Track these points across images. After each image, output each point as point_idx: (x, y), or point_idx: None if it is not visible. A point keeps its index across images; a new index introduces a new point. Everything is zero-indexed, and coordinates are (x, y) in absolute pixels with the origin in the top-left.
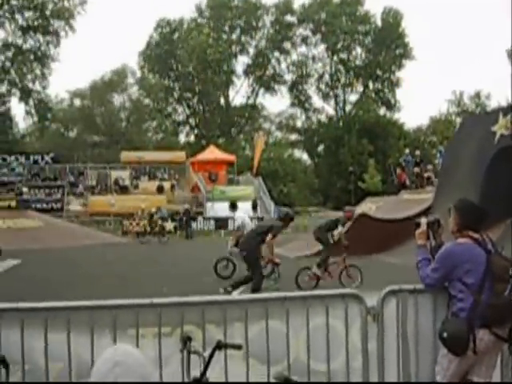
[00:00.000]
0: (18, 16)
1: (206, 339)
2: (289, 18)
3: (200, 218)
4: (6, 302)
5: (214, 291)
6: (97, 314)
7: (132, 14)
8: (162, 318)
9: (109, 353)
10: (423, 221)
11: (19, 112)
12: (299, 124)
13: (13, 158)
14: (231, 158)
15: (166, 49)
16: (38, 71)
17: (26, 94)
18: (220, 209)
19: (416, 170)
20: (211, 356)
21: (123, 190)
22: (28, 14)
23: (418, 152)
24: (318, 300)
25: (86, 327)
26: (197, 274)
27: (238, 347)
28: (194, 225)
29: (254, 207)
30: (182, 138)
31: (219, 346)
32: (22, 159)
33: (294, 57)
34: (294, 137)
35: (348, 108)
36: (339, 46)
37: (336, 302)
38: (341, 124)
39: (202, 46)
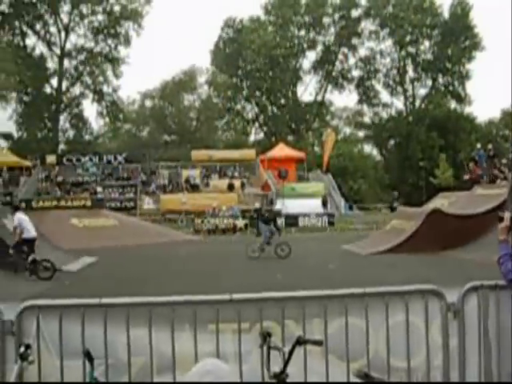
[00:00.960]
0: (87, 20)
1: (285, 335)
2: (356, 12)
3: None
4: (83, 298)
5: (291, 287)
6: (177, 309)
7: (202, 13)
8: (242, 313)
9: (200, 364)
10: (507, 215)
11: (92, 113)
12: (367, 119)
13: (87, 158)
14: (301, 154)
15: (234, 48)
16: (109, 73)
17: (98, 96)
18: (290, 206)
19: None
20: (291, 352)
21: (194, 188)
22: (97, 17)
23: (490, 146)
24: (397, 296)
25: (167, 322)
26: (270, 270)
27: (319, 343)
28: None
29: (324, 204)
30: (252, 136)
31: (299, 341)
32: (96, 159)
33: (362, 52)
34: (362, 132)
35: (417, 102)
36: (407, 39)
37: (416, 299)
38: (410, 119)
39: (269, 43)
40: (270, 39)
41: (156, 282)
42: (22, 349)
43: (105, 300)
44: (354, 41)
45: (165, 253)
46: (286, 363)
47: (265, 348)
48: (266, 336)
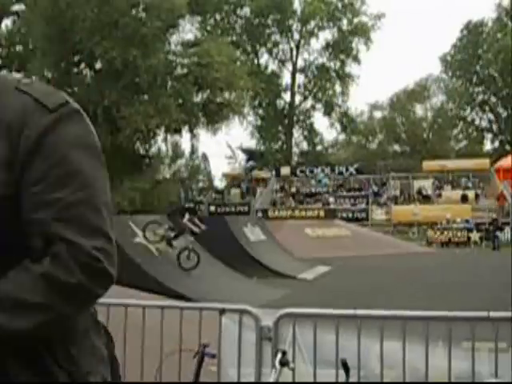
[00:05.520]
0: (317, 36)
1: None
2: None
3: (507, 229)
4: (320, 307)
5: None
6: (431, 324)
7: (434, 21)
8: (499, 332)
9: None
10: None
11: (323, 125)
12: None
13: (319, 169)
14: None
15: (470, 53)
16: (338, 86)
17: (328, 108)
18: None
19: None
20: None
21: (426, 199)
22: (327, 33)
23: None
24: None
25: (421, 337)
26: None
27: None
28: (500, 235)
29: None
30: (487, 145)
31: None
32: (328, 171)
33: None
34: None
35: None
36: None
37: None
38: None
39: (508, 46)
40: (509, 42)
41: (389, 294)
42: (280, 355)
43: (359, 311)
44: None
45: (398, 264)
46: None
47: None
48: None
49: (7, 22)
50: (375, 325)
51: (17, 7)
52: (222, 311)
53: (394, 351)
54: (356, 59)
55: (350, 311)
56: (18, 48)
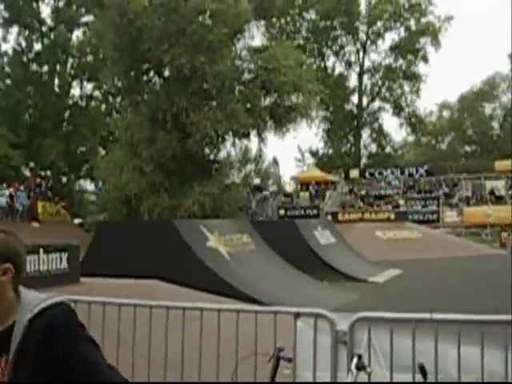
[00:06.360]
0: (384, 37)
1: None
2: None
3: None
4: (392, 311)
5: None
6: (509, 328)
7: (502, 18)
8: None
9: None
10: None
11: (392, 126)
12: None
13: (389, 171)
14: None
15: None
16: (407, 87)
17: (397, 109)
18: None
19: None
20: None
21: (499, 199)
22: (393, 33)
23: None
24: None
25: (499, 342)
26: None
27: None
28: None
29: None
30: None
31: None
32: (398, 172)
33: None
34: None
35: None
36: None
37: None
38: None
39: None
40: None
41: (465, 297)
42: (356, 359)
43: (436, 315)
44: None
45: (471, 267)
46: None
47: None
48: None
49: (78, 34)
50: (452, 329)
51: (86, 18)
52: (297, 315)
53: (472, 356)
54: (424, 59)
55: (427, 315)
56: (89, 58)
